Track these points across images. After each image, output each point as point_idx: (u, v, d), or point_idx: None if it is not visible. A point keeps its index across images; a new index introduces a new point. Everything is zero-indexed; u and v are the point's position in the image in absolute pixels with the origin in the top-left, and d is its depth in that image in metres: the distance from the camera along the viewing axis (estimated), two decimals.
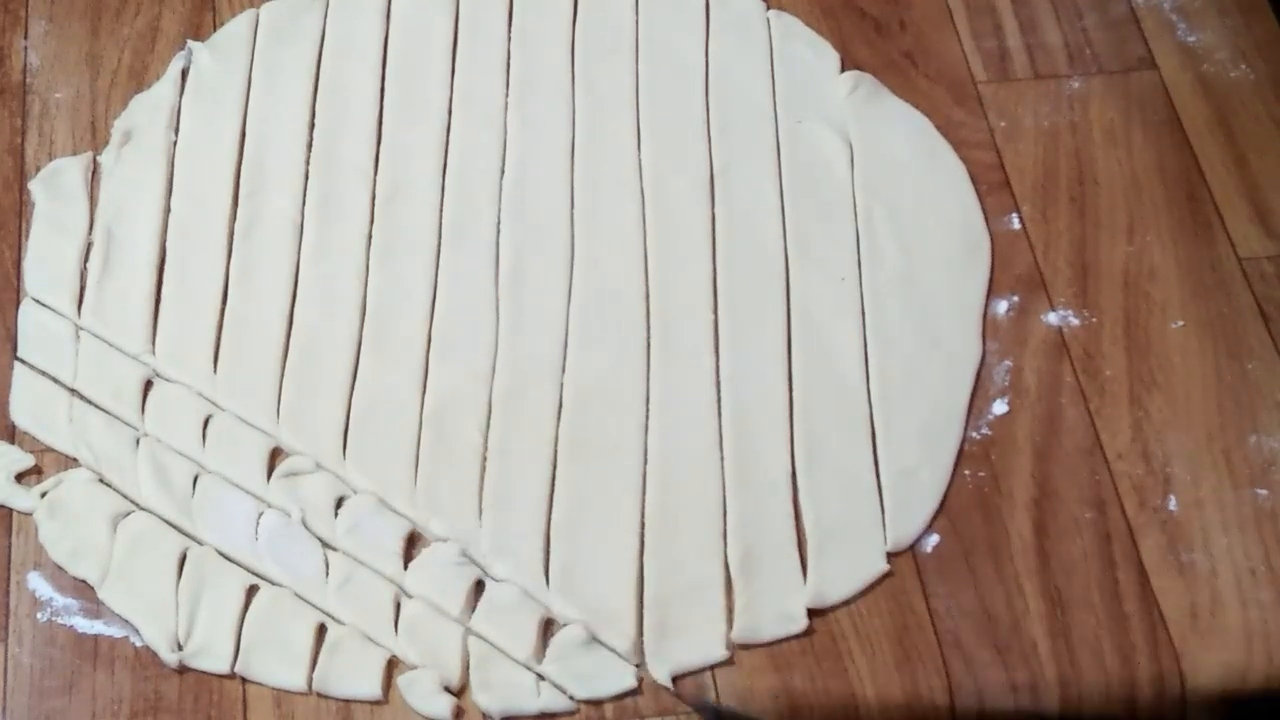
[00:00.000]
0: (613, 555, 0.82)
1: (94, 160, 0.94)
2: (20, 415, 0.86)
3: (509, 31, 1.00)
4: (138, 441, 0.84)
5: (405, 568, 0.81)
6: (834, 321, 0.90)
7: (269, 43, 0.99)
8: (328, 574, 0.81)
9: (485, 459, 0.85)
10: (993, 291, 0.92)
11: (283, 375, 0.87)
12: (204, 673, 0.79)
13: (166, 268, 0.90)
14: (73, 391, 0.86)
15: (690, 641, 0.80)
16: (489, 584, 0.81)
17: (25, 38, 0.99)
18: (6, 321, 0.89)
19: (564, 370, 0.88)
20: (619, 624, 0.80)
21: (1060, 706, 0.79)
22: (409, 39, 0.99)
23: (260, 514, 0.82)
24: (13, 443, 0.85)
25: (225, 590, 0.80)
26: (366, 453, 0.84)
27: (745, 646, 0.80)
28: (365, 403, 0.86)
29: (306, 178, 0.94)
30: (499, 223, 0.93)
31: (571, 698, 0.78)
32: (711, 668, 0.79)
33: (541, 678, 0.78)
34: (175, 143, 0.95)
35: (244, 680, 0.79)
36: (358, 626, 0.79)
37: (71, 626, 0.80)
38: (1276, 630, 0.81)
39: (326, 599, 0.80)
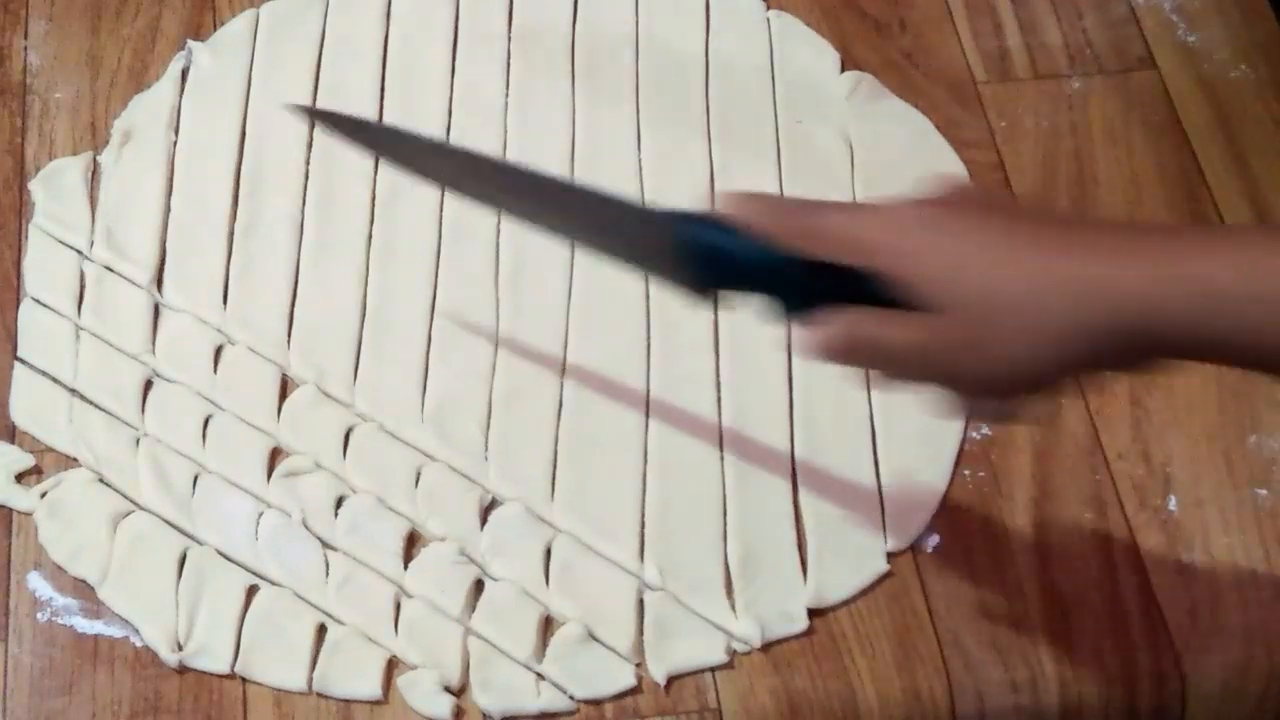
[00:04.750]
0: (612, 554, 0.82)
1: (94, 160, 0.94)
2: (20, 415, 0.86)
3: (509, 31, 1.00)
4: (138, 441, 0.85)
5: (405, 568, 0.81)
6: None
7: (269, 42, 0.99)
8: (328, 574, 0.81)
9: (486, 458, 0.85)
10: None
11: (283, 375, 0.87)
12: (204, 673, 0.79)
13: (166, 268, 0.91)
14: (73, 391, 0.86)
15: (690, 641, 0.80)
16: (488, 583, 0.81)
17: (25, 38, 0.99)
18: (6, 321, 0.89)
19: (564, 370, 0.88)
20: (618, 623, 0.80)
21: (1060, 706, 0.79)
22: (409, 38, 1.00)
23: (260, 514, 0.82)
24: (13, 443, 0.85)
25: (225, 590, 0.80)
26: (367, 453, 0.84)
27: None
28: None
29: (306, 178, 0.94)
30: (499, 222, 0.93)
31: (572, 697, 0.78)
32: (711, 668, 0.79)
33: (541, 677, 0.78)
34: (175, 143, 0.95)
35: (244, 680, 0.79)
36: (358, 626, 0.79)
37: (71, 626, 0.80)
38: (1276, 630, 0.81)
39: (326, 599, 0.80)
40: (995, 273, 0.62)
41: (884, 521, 0.83)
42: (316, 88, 0.97)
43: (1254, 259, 0.61)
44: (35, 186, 0.93)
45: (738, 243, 0.67)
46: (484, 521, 0.83)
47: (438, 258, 0.91)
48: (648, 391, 0.87)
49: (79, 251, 0.91)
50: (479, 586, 0.81)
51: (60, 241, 0.91)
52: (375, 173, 0.94)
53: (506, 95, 0.98)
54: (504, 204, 0.78)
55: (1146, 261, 0.61)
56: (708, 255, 0.69)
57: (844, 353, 0.66)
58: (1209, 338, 0.61)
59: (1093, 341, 0.62)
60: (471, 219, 0.92)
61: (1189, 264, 0.61)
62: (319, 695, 0.78)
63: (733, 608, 0.80)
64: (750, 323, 0.89)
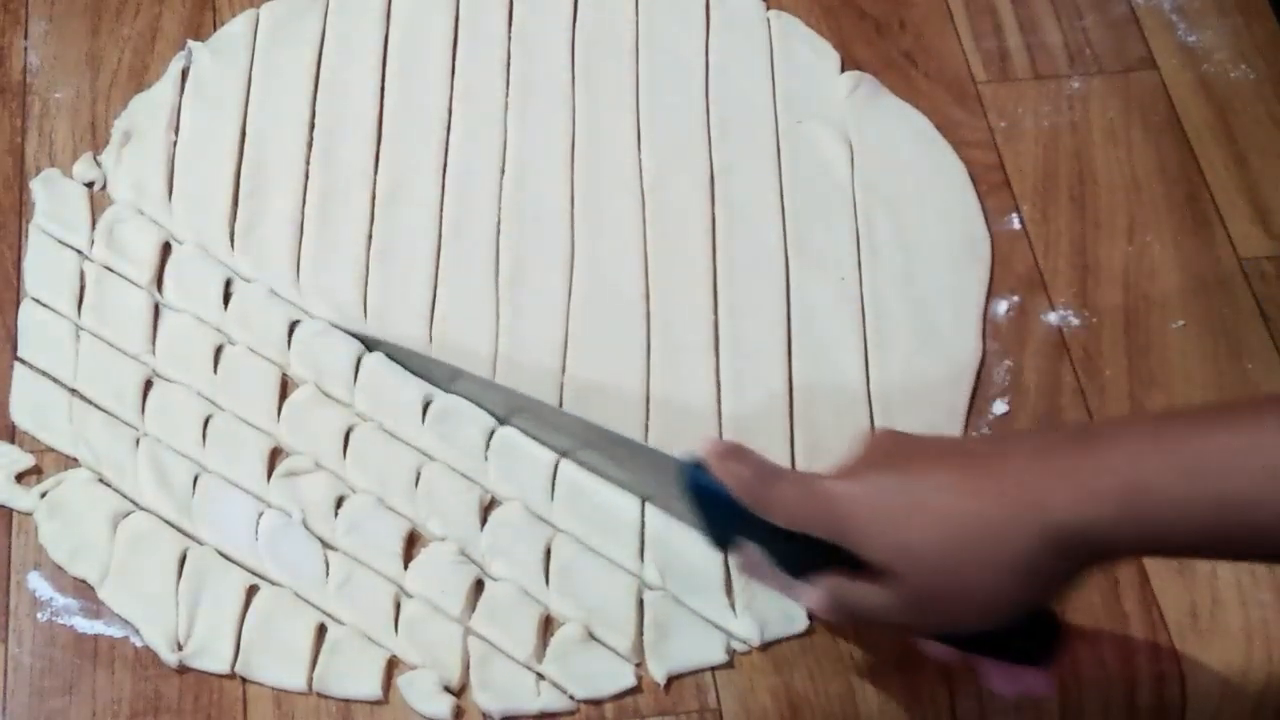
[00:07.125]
0: (612, 554, 0.82)
1: (94, 160, 0.94)
2: (20, 415, 0.86)
3: (509, 31, 1.00)
4: (138, 441, 0.84)
5: (405, 568, 0.81)
6: (834, 321, 0.90)
7: (269, 43, 0.99)
8: (328, 574, 0.81)
9: (485, 458, 0.84)
10: (993, 291, 0.92)
11: (283, 375, 0.87)
12: (204, 673, 0.79)
13: (166, 267, 0.90)
14: (73, 391, 0.86)
15: (690, 641, 0.80)
16: (488, 583, 0.81)
17: (25, 38, 0.99)
18: (6, 321, 0.89)
19: (564, 370, 0.88)
20: (618, 623, 0.80)
21: (1060, 706, 0.79)
22: (409, 39, 1.00)
23: (260, 514, 0.82)
24: (13, 443, 0.85)
25: (225, 590, 0.80)
26: (368, 453, 0.84)
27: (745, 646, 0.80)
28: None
29: (306, 178, 0.94)
30: (499, 223, 0.93)
31: (572, 697, 0.78)
32: (711, 668, 0.79)
33: (541, 677, 0.78)
34: (175, 143, 0.95)
35: (244, 680, 0.79)
36: (358, 626, 0.79)
37: (71, 626, 0.80)
38: (1276, 630, 0.81)
39: (326, 599, 0.80)
40: (932, 528, 0.64)
41: None
42: (316, 88, 0.97)
43: (1173, 448, 0.60)
44: (35, 186, 0.93)
45: (729, 499, 0.70)
46: (484, 521, 0.83)
47: (438, 259, 0.91)
48: (647, 393, 0.87)
49: (79, 251, 0.91)
50: (479, 586, 0.81)
51: (60, 241, 0.91)
52: (375, 173, 0.94)
53: (506, 95, 0.98)
54: (555, 442, 0.84)
55: (1069, 476, 0.62)
56: (710, 507, 0.72)
57: (830, 614, 0.70)
58: (1153, 534, 0.61)
59: (1042, 565, 0.63)
60: (471, 221, 0.93)
61: (1110, 471, 0.61)
62: (319, 695, 0.78)
63: (733, 608, 0.80)
64: (750, 325, 0.90)
